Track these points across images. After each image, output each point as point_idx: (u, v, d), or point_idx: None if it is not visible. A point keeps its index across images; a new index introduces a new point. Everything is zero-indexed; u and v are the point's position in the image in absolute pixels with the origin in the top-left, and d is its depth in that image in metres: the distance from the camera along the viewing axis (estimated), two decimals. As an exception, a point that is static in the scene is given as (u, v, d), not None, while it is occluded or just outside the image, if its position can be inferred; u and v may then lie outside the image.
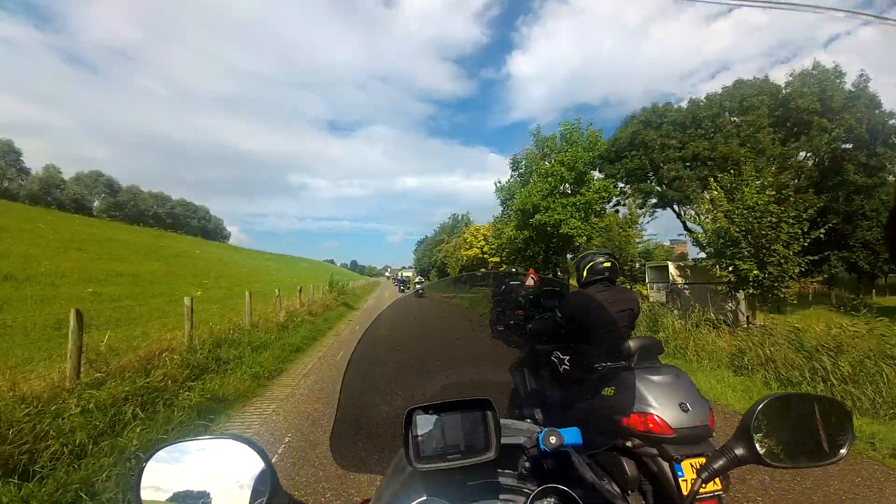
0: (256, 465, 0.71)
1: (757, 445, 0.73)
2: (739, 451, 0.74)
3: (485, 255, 42.26)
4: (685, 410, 1.55)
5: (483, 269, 43.81)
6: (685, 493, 1.43)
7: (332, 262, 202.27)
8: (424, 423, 0.77)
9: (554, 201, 22.49)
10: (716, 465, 0.74)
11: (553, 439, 0.75)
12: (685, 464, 1.48)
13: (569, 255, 25.26)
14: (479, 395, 0.79)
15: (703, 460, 1.37)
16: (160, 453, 0.73)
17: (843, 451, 0.77)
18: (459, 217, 71.33)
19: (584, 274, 2.37)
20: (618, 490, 0.85)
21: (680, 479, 1.47)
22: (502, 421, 0.82)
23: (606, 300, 2.01)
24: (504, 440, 0.76)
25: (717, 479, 1.34)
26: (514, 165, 26.95)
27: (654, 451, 1.55)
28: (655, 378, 1.63)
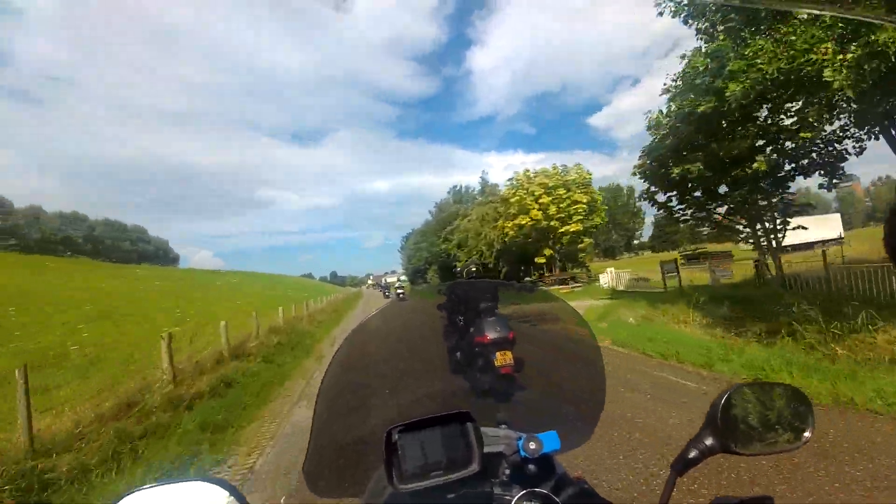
0: None
1: (724, 435, 0.75)
2: (709, 442, 0.76)
3: (551, 223, 23.01)
4: (498, 332, 2.67)
5: (549, 252, 24.64)
6: (497, 364, 2.52)
7: (310, 275, 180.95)
8: (405, 442, 0.75)
9: None
10: (689, 456, 0.76)
11: (532, 445, 0.78)
12: (497, 353, 2.58)
13: None
14: (459, 404, 0.81)
15: (507, 351, 2.59)
16: (126, 500, 0.64)
17: (806, 434, 0.81)
18: (464, 189, 51.88)
19: (465, 275, 3.88)
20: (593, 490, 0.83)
21: (493, 361, 2.55)
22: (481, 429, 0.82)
23: (473, 287, 3.22)
24: (484, 450, 0.77)
25: (508, 354, 2.57)
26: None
27: (485, 349, 2.61)
28: (489, 319, 2.72)
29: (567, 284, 23.68)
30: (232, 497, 0.66)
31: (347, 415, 1.22)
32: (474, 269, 4.21)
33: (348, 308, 32.50)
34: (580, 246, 24.26)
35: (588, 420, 1.21)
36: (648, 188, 14.20)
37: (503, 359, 2.61)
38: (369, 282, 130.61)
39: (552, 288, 23.21)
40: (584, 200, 22.63)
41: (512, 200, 24.22)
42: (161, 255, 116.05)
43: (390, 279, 54.87)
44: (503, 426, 1.02)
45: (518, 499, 0.71)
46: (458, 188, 52.86)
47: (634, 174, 14.06)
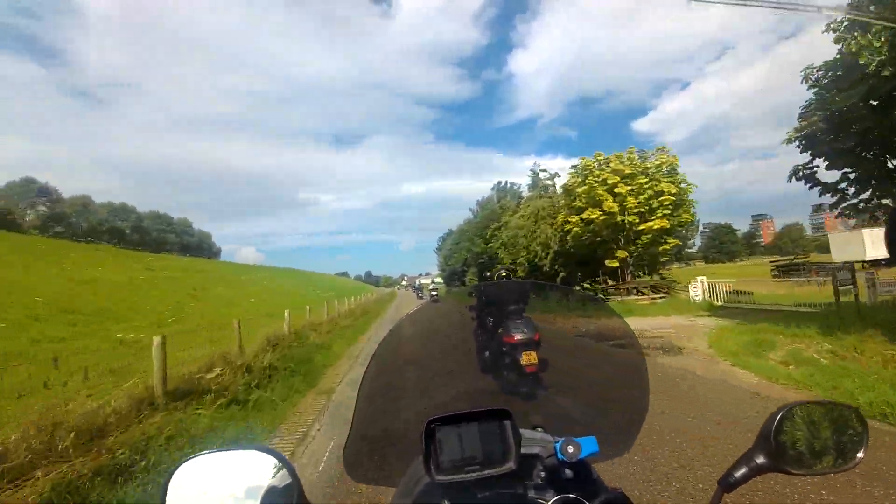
0: (281, 476, 0.71)
1: (776, 453, 0.74)
2: (760, 460, 0.74)
3: (628, 218, 18.64)
4: (524, 333, 2.94)
5: (623, 254, 20.23)
6: (522, 363, 2.56)
7: (345, 274, 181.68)
8: (443, 435, 0.76)
9: None
10: (737, 474, 0.75)
11: (570, 449, 0.76)
12: (523, 353, 2.68)
13: None
14: (495, 404, 0.79)
15: (532, 352, 2.66)
16: (184, 466, 0.72)
17: (859, 454, 0.77)
18: (509, 185, 47.57)
19: (494, 277, 4.71)
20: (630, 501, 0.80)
21: (519, 360, 2.63)
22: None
23: (503, 289, 3.39)
24: (521, 450, 0.76)
25: (534, 354, 2.61)
26: None
27: (512, 349, 2.76)
28: (517, 321, 2.97)
29: (645, 295, 19.26)
30: (284, 468, 0.71)
31: (386, 406, 1.23)
32: (504, 273, 5.09)
33: (381, 310, 29.26)
34: (663, 248, 19.68)
35: (628, 431, 1.17)
36: (810, 162, 9.87)
37: (528, 358, 2.73)
38: (403, 283, 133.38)
39: (628, 299, 18.86)
40: (672, 191, 18.19)
41: (579, 191, 20.00)
42: (205, 248, 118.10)
43: (424, 281, 54.65)
44: (539, 430, 0.99)
45: (552, 503, 0.70)
46: (502, 185, 48.63)
47: (790, 141, 9.75)
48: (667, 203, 18.28)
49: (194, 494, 0.70)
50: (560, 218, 22.08)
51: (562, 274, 23.98)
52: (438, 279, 67.57)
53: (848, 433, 0.79)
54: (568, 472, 0.78)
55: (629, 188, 18.61)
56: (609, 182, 18.93)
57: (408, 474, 0.93)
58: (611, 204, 18.43)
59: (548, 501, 0.71)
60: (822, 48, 8.96)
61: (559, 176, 27.44)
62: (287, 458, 0.73)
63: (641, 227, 18.70)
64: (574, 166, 21.94)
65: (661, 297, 18.95)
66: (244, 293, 25.32)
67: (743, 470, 0.74)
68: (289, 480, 0.70)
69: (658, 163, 19.52)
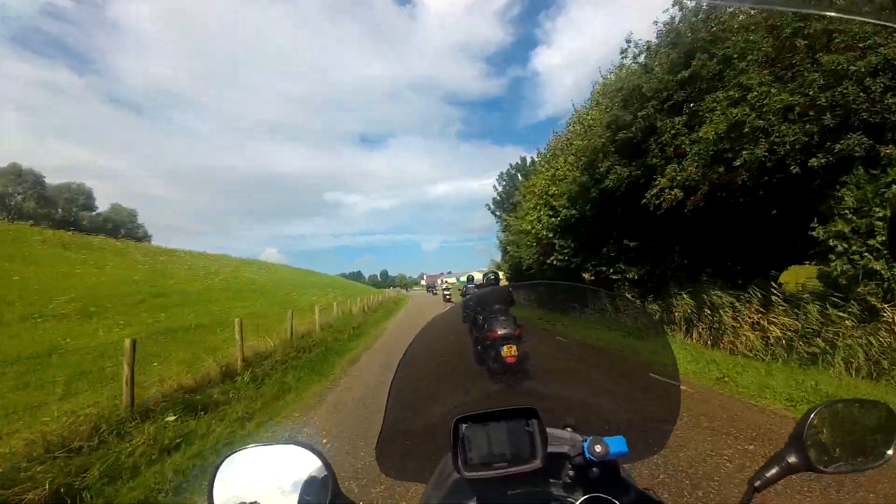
0: (319, 470, 0.75)
1: (808, 452, 0.74)
2: (791, 459, 0.74)
3: None
4: (505, 328, 3.54)
5: None
6: (503, 355, 3.15)
7: (358, 274, 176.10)
8: (471, 432, 0.78)
9: None
10: (768, 474, 0.75)
11: (598, 448, 0.75)
12: (504, 347, 3.32)
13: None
14: (523, 404, 0.80)
15: (513, 345, 3.34)
16: (231, 457, 0.76)
17: (889, 452, 0.77)
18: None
19: (484, 281, 6.19)
20: (660, 500, 0.80)
21: (500, 352, 3.26)
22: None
23: (490, 292, 4.43)
24: (548, 449, 0.77)
25: (514, 347, 3.31)
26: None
27: (495, 343, 3.44)
28: (500, 318, 3.60)
29: None
30: (320, 462, 0.74)
31: (415, 405, 1.25)
32: (492, 276, 6.44)
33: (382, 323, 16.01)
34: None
35: (659, 433, 1.17)
36: None
37: (509, 351, 3.29)
38: (422, 283, 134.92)
39: None
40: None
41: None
42: (119, 230, 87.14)
43: (449, 280, 57.95)
44: (568, 429, 0.99)
45: (581, 503, 0.70)
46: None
47: None
48: None
49: (238, 485, 0.74)
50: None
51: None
52: (463, 279, 48.73)
53: (880, 431, 0.78)
54: (595, 471, 0.77)
55: None
56: None
57: (438, 471, 0.94)
58: None
59: (576, 500, 0.71)
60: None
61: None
62: (323, 453, 0.75)
63: None
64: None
65: None
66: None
67: (774, 469, 0.74)
68: (324, 474, 0.74)
69: None
